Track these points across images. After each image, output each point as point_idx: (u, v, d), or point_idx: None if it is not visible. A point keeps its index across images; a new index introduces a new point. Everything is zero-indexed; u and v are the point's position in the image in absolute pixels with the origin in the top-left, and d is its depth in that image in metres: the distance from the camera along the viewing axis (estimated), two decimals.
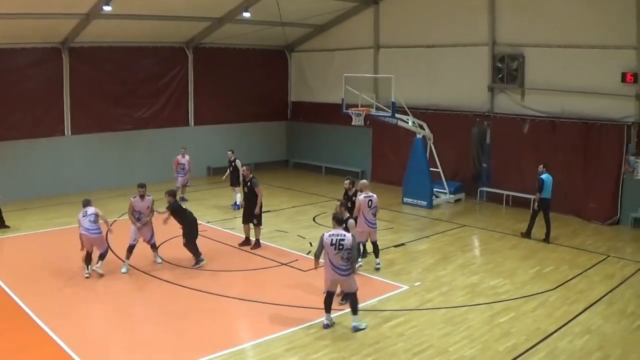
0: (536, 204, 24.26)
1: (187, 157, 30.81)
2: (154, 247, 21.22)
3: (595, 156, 26.85)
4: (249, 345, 15.03)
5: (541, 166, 24.56)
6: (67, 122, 32.70)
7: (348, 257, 15.39)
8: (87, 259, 19.65)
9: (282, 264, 21.00)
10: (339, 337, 15.22)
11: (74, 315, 16.78)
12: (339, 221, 15.89)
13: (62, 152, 32.39)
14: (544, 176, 24.18)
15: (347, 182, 21.34)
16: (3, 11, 26.32)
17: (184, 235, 21.00)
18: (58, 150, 32.28)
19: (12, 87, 30.49)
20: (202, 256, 21.09)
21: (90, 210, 19.90)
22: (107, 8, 27.03)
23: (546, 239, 24.02)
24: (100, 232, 19.92)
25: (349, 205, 20.16)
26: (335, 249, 15.31)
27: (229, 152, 29.88)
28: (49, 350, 14.57)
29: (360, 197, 20.14)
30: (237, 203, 28.80)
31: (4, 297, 17.91)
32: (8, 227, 25.52)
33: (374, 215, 20.20)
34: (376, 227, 20.45)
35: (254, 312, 17.17)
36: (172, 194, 21.36)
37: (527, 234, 24.60)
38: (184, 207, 21.88)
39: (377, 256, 20.64)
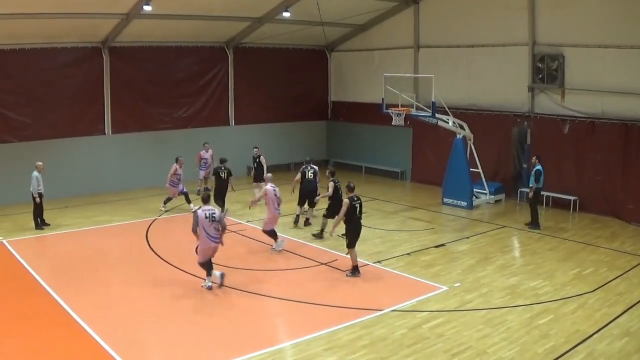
0: (531, 193, 25.65)
1: (210, 152, 31.76)
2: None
3: (634, 157, 26.62)
4: (288, 344, 15.17)
5: (534, 158, 25.62)
6: (107, 121, 33.13)
7: (218, 228, 18.64)
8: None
9: (322, 264, 21.17)
10: (378, 337, 15.30)
11: (111, 312, 17.06)
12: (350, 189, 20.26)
13: (102, 150, 32.81)
14: (539, 167, 25.11)
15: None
16: (44, 11, 26.74)
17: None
18: (98, 149, 32.70)
19: (53, 87, 31.00)
20: (226, 210, 27.39)
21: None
22: (147, 8, 27.33)
23: (536, 225, 25.79)
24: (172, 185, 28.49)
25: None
26: (209, 221, 18.46)
27: (255, 149, 30.52)
28: (85, 345, 14.86)
29: (268, 187, 22.86)
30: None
31: (44, 293, 18.29)
32: (48, 224, 25.86)
33: (279, 204, 22.88)
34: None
35: (293, 312, 17.38)
36: (222, 160, 28.13)
37: (535, 225, 25.70)
38: (221, 175, 27.64)
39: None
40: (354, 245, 20.11)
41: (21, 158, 28.88)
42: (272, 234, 22.67)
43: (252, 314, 17.12)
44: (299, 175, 26.44)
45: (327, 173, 24.93)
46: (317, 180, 26.68)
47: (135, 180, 32.96)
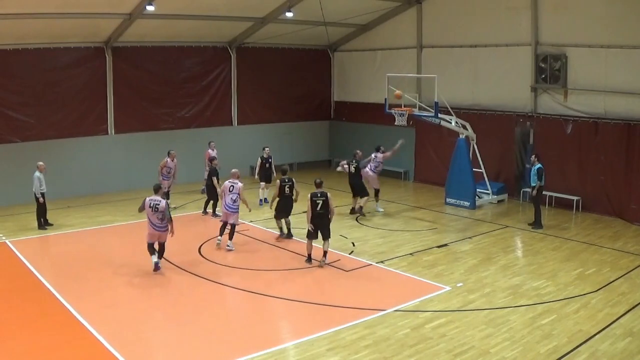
0: (535, 191, 25.50)
1: (215, 150, 31.42)
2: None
3: (637, 157, 26.59)
4: (291, 344, 15.16)
5: (533, 157, 25.67)
6: (110, 121, 33.19)
7: (162, 218, 19.76)
8: None
9: (325, 264, 21.12)
10: (380, 337, 15.29)
11: (115, 312, 17.05)
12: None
13: (105, 151, 32.84)
14: (541, 165, 25.22)
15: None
16: (47, 11, 26.81)
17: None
18: (101, 149, 32.73)
19: (56, 87, 31.06)
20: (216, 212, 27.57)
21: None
22: (150, 8, 27.33)
23: (539, 224, 25.73)
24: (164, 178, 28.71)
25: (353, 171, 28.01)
26: (152, 211, 19.77)
27: (267, 149, 30.39)
28: (89, 347, 14.84)
29: (226, 182, 23.57)
30: (266, 198, 29.93)
31: (47, 295, 18.27)
32: (51, 224, 25.89)
33: (233, 200, 22.97)
34: (235, 212, 23.11)
35: (296, 312, 17.41)
36: (212, 159, 28.84)
37: (538, 224, 25.67)
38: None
39: (230, 238, 23.00)
40: (310, 237, 21.30)
41: (25, 158, 28.91)
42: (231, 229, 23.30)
43: (255, 314, 17.14)
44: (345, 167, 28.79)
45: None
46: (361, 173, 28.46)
47: (138, 180, 32.90)
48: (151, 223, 19.82)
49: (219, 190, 25.84)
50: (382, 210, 28.80)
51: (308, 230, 21.12)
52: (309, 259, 21.23)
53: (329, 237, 21.17)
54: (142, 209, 20.01)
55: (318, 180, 21.43)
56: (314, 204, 20.82)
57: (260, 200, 30.07)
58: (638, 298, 17.87)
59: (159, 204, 19.69)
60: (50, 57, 30.62)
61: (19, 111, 30.01)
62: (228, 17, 32.67)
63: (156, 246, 20.23)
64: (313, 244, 21.17)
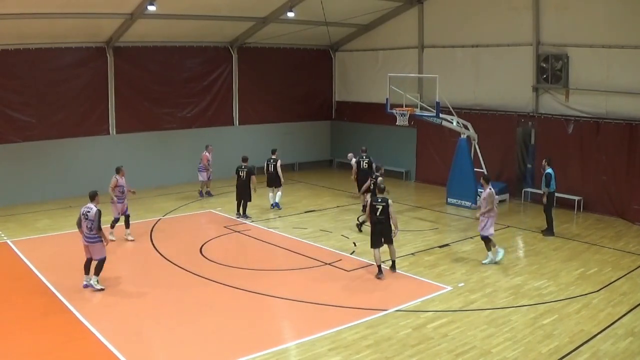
0: (544, 199, 24.79)
1: (211, 154, 31.28)
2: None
3: (639, 157, 26.55)
4: (293, 344, 15.17)
5: (544, 161, 25.11)
6: (112, 121, 33.17)
7: (91, 228, 18.23)
8: None
9: (326, 264, 21.17)
10: (382, 337, 15.29)
11: (116, 312, 17.10)
12: None
13: (106, 150, 32.66)
14: (550, 170, 24.62)
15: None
16: (48, 11, 26.81)
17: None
18: (102, 149, 32.61)
19: (58, 87, 31.06)
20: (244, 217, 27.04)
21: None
22: (151, 8, 27.23)
23: (550, 232, 24.88)
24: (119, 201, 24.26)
25: None
26: (83, 219, 18.38)
27: (277, 152, 29.56)
28: (90, 345, 14.89)
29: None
30: (277, 202, 29.23)
31: (48, 294, 18.28)
32: None
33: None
34: None
35: (298, 312, 17.41)
36: (243, 159, 27.30)
37: (549, 232, 24.85)
38: (240, 174, 27.06)
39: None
40: (374, 246, 20.03)
41: (26, 158, 29.00)
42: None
43: (256, 314, 17.13)
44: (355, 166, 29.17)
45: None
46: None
47: (139, 180, 32.64)
48: (83, 233, 18.56)
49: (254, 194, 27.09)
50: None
51: (372, 239, 20.14)
52: (380, 271, 19.88)
53: (392, 242, 20.32)
54: (78, 221, 18.61)
55: (382, 185, 20.84)
56: (373, 208, 20.06)
57: (272, 204, 29.17)
58: (639, 298, 17.85)
59: (89, 212, 18.28)
60: (51, 57, 30.61)
61: (20, 111, 29.99)
62: (229, 17, 32.65)
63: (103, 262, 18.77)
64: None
